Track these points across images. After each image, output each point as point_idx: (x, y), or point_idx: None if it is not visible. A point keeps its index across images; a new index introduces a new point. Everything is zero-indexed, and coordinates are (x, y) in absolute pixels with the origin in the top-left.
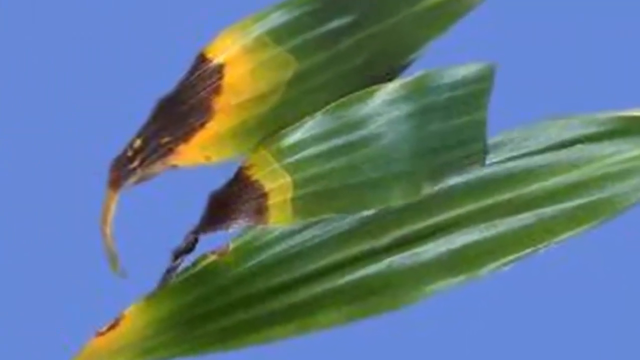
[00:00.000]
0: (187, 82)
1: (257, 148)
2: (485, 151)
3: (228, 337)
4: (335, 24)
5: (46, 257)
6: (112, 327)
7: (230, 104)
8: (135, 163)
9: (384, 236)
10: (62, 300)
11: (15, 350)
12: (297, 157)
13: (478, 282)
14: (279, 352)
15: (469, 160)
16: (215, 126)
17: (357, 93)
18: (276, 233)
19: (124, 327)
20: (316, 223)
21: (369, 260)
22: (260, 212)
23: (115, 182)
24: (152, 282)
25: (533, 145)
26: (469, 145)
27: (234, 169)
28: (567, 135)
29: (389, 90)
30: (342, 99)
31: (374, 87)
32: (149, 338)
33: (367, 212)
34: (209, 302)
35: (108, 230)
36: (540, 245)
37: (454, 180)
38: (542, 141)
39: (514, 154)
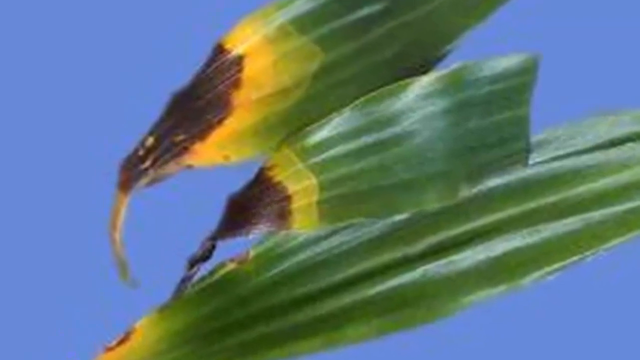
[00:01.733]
0: (204, 75)
1: (280, 147)
2: (528, 150)
3: (248, 352)
4: (365, 11)
5: (50, 266)
6: (122, 341)
7: (251, 99)
8: (147, 163)
9: (418, 242)
10: (68, 312)
11: None
12: (323, 156)
13: (520, 293)
14: None
15: (510, 160)
16: (234, 123)
17: (389, 87)
18: (300, 239)
19: (134, 342)
20: (344, 228)
21: (402, 269)
22: (283, 216)
23: (126, 183)
24: (166, 292)
25: (580, 144)
26: (510, 143)
27: (255, 170)
28: (617, 132)
29: (423, 83)
30: (372, 94)
31: (407, 80)
32: (162, 353)
33: (399, 217)
34: (227, 314)
35: (117, 236)
36: (587, 253)
37: (494, 181)
38: (590, 139)
39: (560, 153)
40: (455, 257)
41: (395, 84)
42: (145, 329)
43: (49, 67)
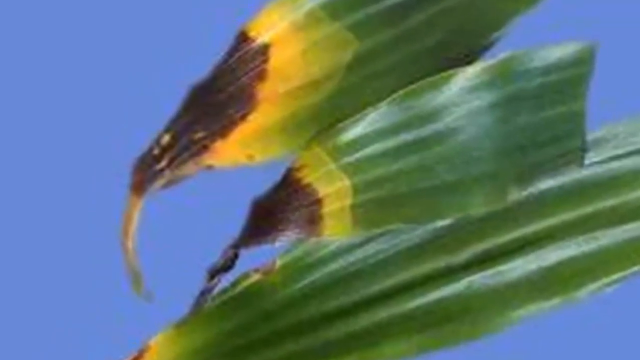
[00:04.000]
0: (226, 65)
1: (310, 145)
2: (583, 149)
3: None
4: None
5: (57, 277)
6: (135, 359)
7: (277, 92)
8: (163, 163)
9: (462, 251)
10: (77, 328)
11: None
12: (357, 156)
13: (575, 306)
14: None
15: (565, 159)
16: (258, 118)
17: (430, 79)
18: (332, 247)
19: None
20: (380, 235)
21: (444, 280)
22: (314, 222)
23: (139, 185)
24: (183, 306)
25: None
26: (564, 141)
27: (282, 171)
28: None
29: (468, 75)
30: (412, 86)
31: (450, 71)
32: None
33: (441, 222)
34: (251, 330)
35: (130, 244)
36: None
37: (546, 183)
38: None
39: (619, 152)
40: (503, 267)
41: (437, 76)
42: (161, 347)
43: (59, 59)
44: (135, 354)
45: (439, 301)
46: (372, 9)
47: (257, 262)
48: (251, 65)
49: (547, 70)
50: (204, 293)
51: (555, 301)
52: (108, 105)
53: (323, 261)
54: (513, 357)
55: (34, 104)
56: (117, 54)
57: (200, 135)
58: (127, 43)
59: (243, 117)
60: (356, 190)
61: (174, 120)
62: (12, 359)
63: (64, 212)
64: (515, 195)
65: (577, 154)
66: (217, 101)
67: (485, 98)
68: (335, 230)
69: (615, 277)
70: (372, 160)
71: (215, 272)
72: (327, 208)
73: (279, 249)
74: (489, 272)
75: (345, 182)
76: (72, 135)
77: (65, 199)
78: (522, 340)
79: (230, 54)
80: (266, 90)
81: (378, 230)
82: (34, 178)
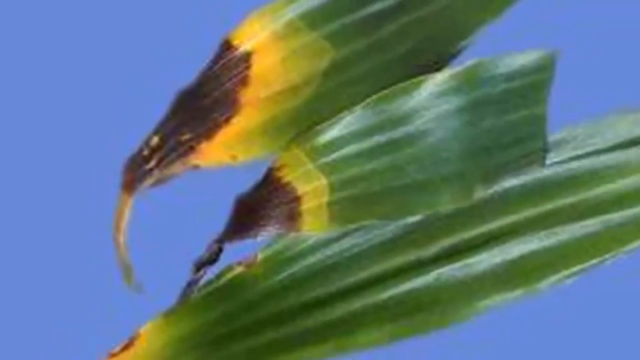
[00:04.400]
0: (211, 72)
1: (289, 146)
2: (545, 150)
3: (256, 358)
4: (377, 6)
5: (52, 270)
6: (126, 347)
7: (259, 97)
8: (152, 163)
9: (432, 245)
10: (70, 317)
11: None
12: (333, 156)
13: (537, 297)
14: None
15: (527, 160)
16: (241, 122)
17: (402, 85)
18: (310, 242)
19: (139, 348)
20: (355, 231)
21: (415, 273)
22: (293, 218)
23: (130, 184)
24: (171, 297)
25: (599, 143)
26: (527, 143)
27: (263, 170)
28: (638, 131)
29: (437, 81)
30: (385, 91)
31: (421, 77)
32: None
33: (412, 219)
34: (234, 320)
35: (121, 239)
36: (606, 256)
37: (510, 182)
38: (610, 138)
39: (578, 152)
40: (470, 261)
41: (408, 82)
42: (150, 335)
43: (51, 64)
44: (126, 341)
45: (410, 292)
46: (347, 20)
47: (240, 256)
48: (234, 72)
49: (510, 76)
50: (191, 284)
51: (518, 292)
52: (102, 110)
53: (302, 255)
54: (479, 346)
55: (35, 107)
56: (110, 62)
57: (186, 137)
58: (120, 52)
59: (227, 120)
60: (332, 188)
61: (162, 123)
62: (10, 346)
63: (61, 209)
64: (481, 193)
65: (539, 155)
66: (202, 105)
67: (453, 102)
68: (313, 225)
69: (574, 269)
70: (347, 160)
71: (201, 265)
72: (306, 205)
73: (260, 243)
74: (457, 265)
75: (323, 181)
76: (69, 139)
77: (62, 198)
78: (488, 330)
79: (214, 61)
80: (248, 95)
81: (353, 226)
82: (34, 177)
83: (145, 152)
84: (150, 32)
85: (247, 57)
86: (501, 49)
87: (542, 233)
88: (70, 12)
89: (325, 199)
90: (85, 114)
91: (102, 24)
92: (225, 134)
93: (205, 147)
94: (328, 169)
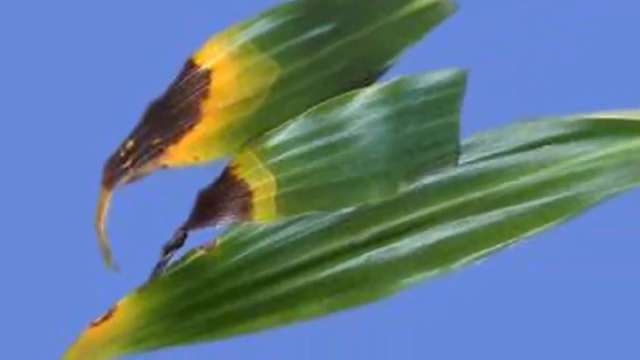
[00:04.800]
0: (177, 86)
1: (243, 149)
2: (458, 152)
3: (215, 327)
4: (316, 32)
5: (43, 253)
6: (105, 318)
7: (218, 108)
8: (128, 163)
9: (363, 232)
10: (58, 292)
11: (13, 340)
12: (280, 157)
13: (452, 276)
14: (263, 342)
15: (443, 160)
16: (203, 128)
17: (337, 97)
18: (261, 229)
19: (117, 318)
20: (298, 220)
21: (349, 255)
22: (246, 209)
23: (109, 181)
24: (144, 275)
25: (503, 146)
26: (443, 146)
27: (221, 169)
28: (536, 136)
29: (367, 94)
30: (323, 103)
31: (353, 91)
32: (140, 328)
33: (346, 210)
34: (197, 295)
35: (102, 227)
36: (510, 241)
37: (429, 179)
38: (512, 142)
39: (486, 154)
40: (395, 245)
41: (343, 95)
42: (126, 307)
43: (41, 78)
44: (105, 312)
45: (345, 272)
46: (292, 43)
47: (201, 241)
48: (197, 87)
49: (429, 90)
50: (160, 265)
51: (436, 272)
52: (85, 118)
53: (253, 240)
54: (403, 317)
55: (35, 111)
56: (92, 80)
57: (157, 141)
58: (100, 70)
59: (191, 127)
60: (279, 184)
61: (136, 129)
62: (5, 309)
63: (51, 202)
64: (404, 188)
65: (453, 156)
66: (170, 115)
67: (380, 112)
68: (263, 216)
69: (483, 252)
70: (292, 161)
71: (168, 249)
72: (257, 198)
73: (219, 230)
74: (384, 248)
75: (271, 178)
76: (57, 143)
77: (52, 193)
78: (410, 304)
79: (180, 77)
80: (209, 106)
81: (296, 216)
82: (27, 176)
83: (122, 154)
84: (127, 53)
85: (207, 74)
86: (421, 68)
87: (456, 222)
88: (59, 28)
89: (273, 193)
90: (72, 122)
91: (88, 48)
92: (190, 139)
93: (172, 149)
94: (276, 168)
